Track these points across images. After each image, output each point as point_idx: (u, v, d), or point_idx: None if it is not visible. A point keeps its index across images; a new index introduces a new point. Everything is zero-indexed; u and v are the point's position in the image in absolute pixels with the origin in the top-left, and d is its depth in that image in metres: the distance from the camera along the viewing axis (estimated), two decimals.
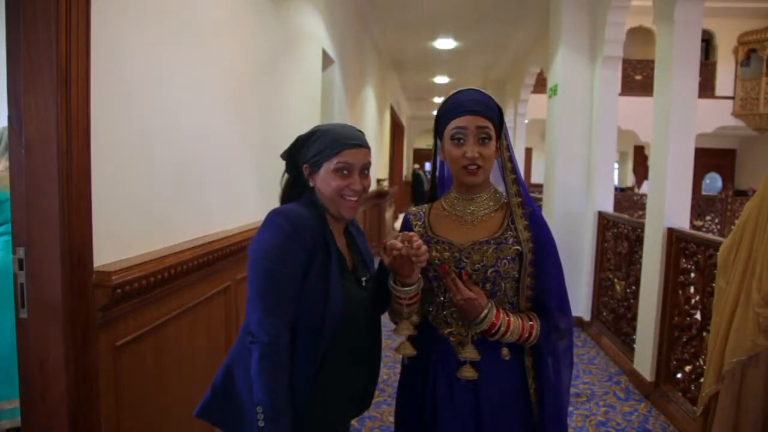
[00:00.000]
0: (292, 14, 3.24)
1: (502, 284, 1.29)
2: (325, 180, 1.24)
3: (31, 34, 1.26)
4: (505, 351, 1.29)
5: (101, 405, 1.43)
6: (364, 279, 1.32)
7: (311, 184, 1.27)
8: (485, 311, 1.24)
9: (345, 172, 1.23)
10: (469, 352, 1.28)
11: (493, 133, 1.29)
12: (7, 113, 1.29)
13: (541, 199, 5.21)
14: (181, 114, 1.88)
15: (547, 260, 1.31)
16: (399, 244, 1.19)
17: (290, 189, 1.33)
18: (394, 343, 4.00)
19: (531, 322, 1.29)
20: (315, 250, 1.18)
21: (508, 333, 1.26)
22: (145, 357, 1.64)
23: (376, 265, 1.39)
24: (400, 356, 1.35)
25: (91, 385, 1.39)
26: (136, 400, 1.61)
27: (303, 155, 1.27)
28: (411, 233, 1.22)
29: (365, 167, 1.27)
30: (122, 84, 1.53)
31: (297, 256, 1.16)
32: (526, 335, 1.28)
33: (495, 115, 1.31)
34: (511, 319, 1.27)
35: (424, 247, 1.22)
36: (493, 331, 1.25)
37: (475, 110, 1.28)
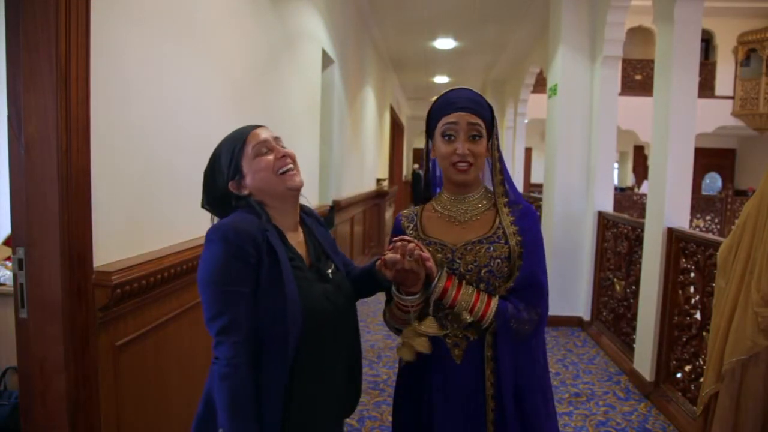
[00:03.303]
0: (292, 14, 3.24)
1: (496, 283, 1.29)
2: (254, 171, 1.19)
3: (31, 34, 1.26)
4: (465, 315, 1.24)
5: (101, 405, 1.43)
6: (329, 271, 1.26)
7: (245, 192, 1.21)
8: (438, 275, 1.23)
9: (264, 150, 1.20)
10: (429, 326, 1.23)
11: (484, 131, 1.29)
12: (6, 113, 1.29)
13: (541, 199, 5.21)
14: (181, 114, 1.88)
15: (527, 250, 1.28)
16: (398, 257, 1.16)
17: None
18: (394, 342, 4.00)
19: (486, 296, 1.25)
20: (260, 259, 1.13)
21: (459, 297, 1.23)
22: (145, 357, 1.64)
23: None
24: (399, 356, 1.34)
25: (91, 385, 1.39)
26: (136, 400, 1.61)
27: (220, 180, 1.22)
28: (410, 245, 1.18)
29: (276, 139, 1.24)
30: (122, 84, 1.53)
31: (242, 271, 1.11)
32: (480, 311, 1.24)
33: (486, 113, 1.31)
34: (462, 286, 1.25)
35: (427, 253, 1.21)
36: (445, 296, 1.23)
37: (467, 107, 1.28)
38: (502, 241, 1.29)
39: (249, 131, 1.22)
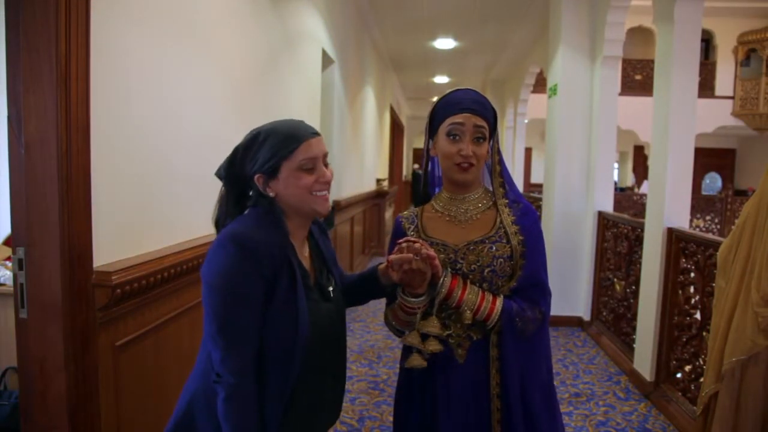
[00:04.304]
0: (292, 14, 3.24)
1: (499, 283, 1.29)
2: (290, 182, 1.12)
3: (31, 35, 1.26)
4: (467, 314, 1.24)
5: (101, 405, 1.43)
6: (330, 289, 1.24)
7: (270, 194, 1.14)
8: (443, 275, 1.24)
9: (310, 166, 1.12)
10: (432, 326, 1.24)
11: (488, 134, 1.31)
12: (6, 113, 1.29)
13: (541, 199, 5.21)
14: (181, 114, 1.88)
15: (528, 249, 1.30)
16: (409, 256, 1.17)
17: (234, 207, 1.19)
18: (394, 342, 4.00)
19: (491, 296, 1.26)
20: (277, 274, 1.07)
21: (464, 297, 1.24)
22: (145, 357, 1.64)
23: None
24: (399, 356, 1.34)
25: (91, 385, 1.39)
26: (136, 399, 1.61)
27: (250, 165, 1.13)
28: (416, 245, 1.19)
29: (325, 156, 1.17)
30: (122, 84, 1.53)
31: (256, 285, 1.05)
32: (486, 310, 1.24)
33: (490, 116, 1.32)
34: (468, 286, 1.25)
35: (433, 252, 1.21)
36: (451, 296, 1.24)
37: (474, 109, 1.29)
38: (504, 241, 1.29)
39: (305, 139, 1.12)
